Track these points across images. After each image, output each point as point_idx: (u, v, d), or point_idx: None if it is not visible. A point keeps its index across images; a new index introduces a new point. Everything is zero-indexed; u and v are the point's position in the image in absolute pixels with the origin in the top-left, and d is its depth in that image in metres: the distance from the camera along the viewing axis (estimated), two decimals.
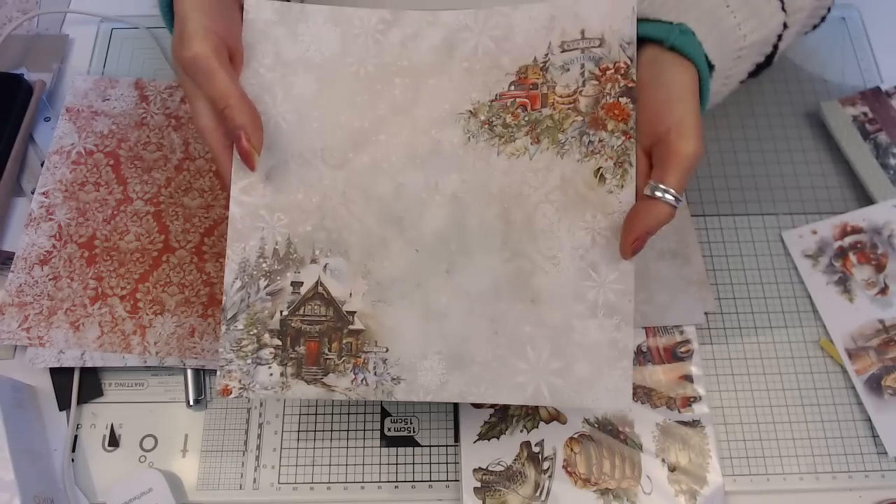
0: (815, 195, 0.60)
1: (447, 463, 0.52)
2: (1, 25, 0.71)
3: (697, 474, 0.50)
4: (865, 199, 0.59)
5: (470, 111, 0.44)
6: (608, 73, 0.43)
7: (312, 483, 0.51)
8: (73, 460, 0.52)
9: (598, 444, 0.51)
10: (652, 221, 0.40)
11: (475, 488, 0.50)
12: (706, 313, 0.56)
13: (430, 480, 0.51)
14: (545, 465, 0.51)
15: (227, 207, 0.58)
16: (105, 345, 0.53)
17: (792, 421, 0.53)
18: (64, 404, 0.53)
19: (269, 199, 0.43)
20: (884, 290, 0.56)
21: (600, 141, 0.42)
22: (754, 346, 0.55)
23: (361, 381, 0.42)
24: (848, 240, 0.57)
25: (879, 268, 0.56)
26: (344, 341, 0.42)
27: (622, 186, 0.42)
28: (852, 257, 0.57)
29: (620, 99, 0.42)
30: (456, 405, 0.53)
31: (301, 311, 0.42)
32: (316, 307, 0.42)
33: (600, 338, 0.42)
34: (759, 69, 0.50)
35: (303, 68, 0.44)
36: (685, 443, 0.51)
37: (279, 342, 0.42)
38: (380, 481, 0.51)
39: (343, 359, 0.42)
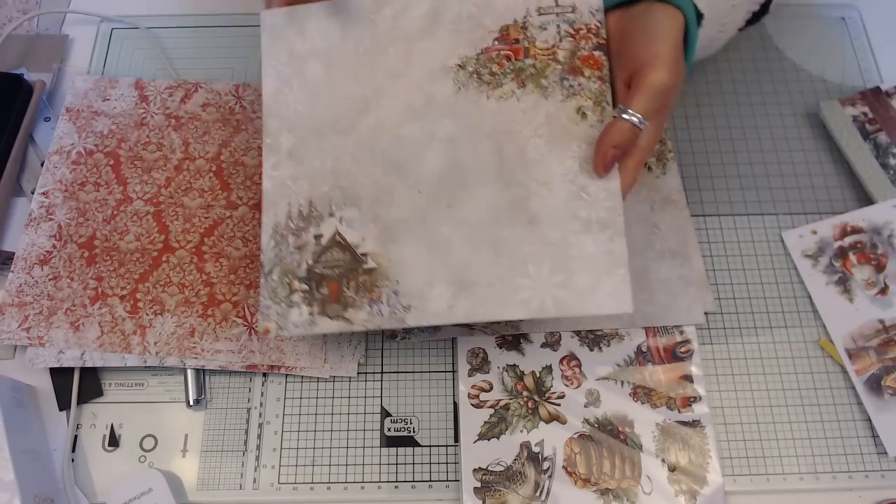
0: (814, 195, 0.60)
1: (447, 463, 0.52)
2: (1, 25, 0.71)
3: (697, 474, 0.50)
4: (865, 199, 0.59)
5: (458, 64, 0.49)
6: (581, 32, 0.48)
7: (312, 483, 0.51)
8: (73, 460, 0.52)
9: (598, 444, 0.51)
10: (616, 137, 0.44)
11: (475, 488, 0.50)
12: (706, 313, 0.56)
13: (430, 480, 0.51)
14: (545, 465, 0.51)
15: (226, 207, 0.58)
16: (105, 345, 0.53)
17: (792, 421, 0.53)
18: (64, 404, 0.53)
19: (293, 170, 0.49)
20: (884, 290, 0.56)
21: (579, 85, 0.47)
22: (754, 346, 0.55)
23: (377, 312, 0.46)
24: (848, 240, 0.57)
25: (879, 268, 0.56)
26: (360, 279, 0.47)
27: (602, 121, 0.47)
28: (852, 257, 0.57)
29: (594, 52, 0.48)
30: (456, 405, 0.53)
31: (323, 259, 0.48)
32: (335, 254, 0.47)
33: (596, 250, 0.45)
34: (756, 17, 0.53)
35: (312, 57, 0.50)
36: (685, 443, 0.51)
37: (306, 287, 0.47)
38: (380, 481, 0.51)
39: (360, 295, 0.46)
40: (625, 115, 0.44)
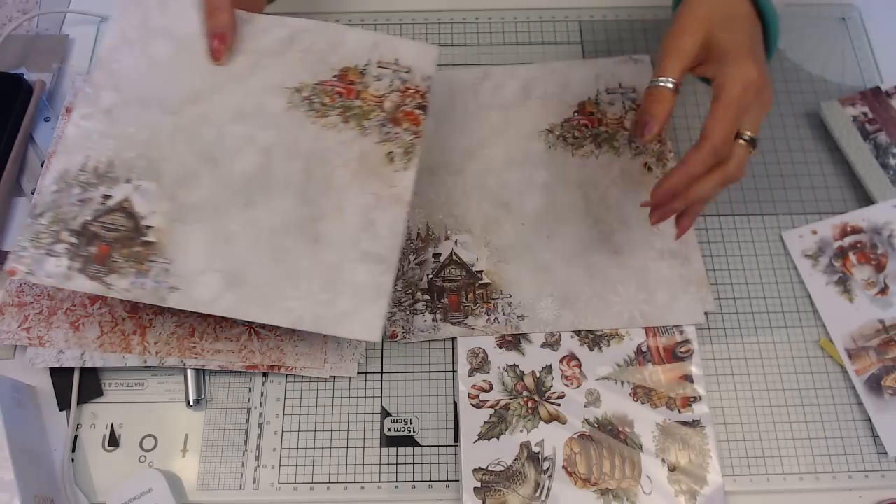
0: (815, 195, 0.60)
1: (447, 463, 0.52)
2: (1, 25, 0.71)
3: (697, 474, 0.50)
4: (865, 199, 0.59)
5: (296, 87, 0.54)
6: (410, 91, 0.54)
7: (312, 483, 0.51)
8: (73, 460, 0.52)
9: (598, 445, 0.51)
10: (646, 102, 0.48)
11: (475, 488, 0.50)
12: (706, 313, 0.56)
13: (430, 480, 0.51)
14: (545, 465, 0.51)
15: None
16: (105, 345, 0.53)
17: (792, 421, 0.53)
18: (64, 404, 0.53)
19: (105, 127, 0.51)
20: (884, 290, 0.56)
21: (396, 133, 0.53)
22: (754, 346, 0.55)
23: (140, 285, 0.48)
24: (848, 240, 0.57)
25: (879, 268, 0.56)
26: (133, 249, 0.48)
27: (406, 169, 0.52)
28: (852, 257, 0.57)
29: (416, 110, 0.53)
30: (455, 405, 0.53)
31: (103, 220, 0.49)
32: (117, 218, 0.49)
33: (366, 280, 0.49)
34: None
35: (162, 35, 0.53)
36: (685, 443, 0.51)
37: (75, 241, 0.48)
38: (380, 481, 0.51)
39: (128, 263, 0.48)
40: (658, 83, 0.47)
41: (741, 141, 0.47)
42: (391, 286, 0.49)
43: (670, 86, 0.47)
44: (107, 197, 0.49)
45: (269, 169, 0.51)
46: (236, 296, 0.48)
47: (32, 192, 0.58)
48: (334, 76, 0.54)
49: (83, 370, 0.54)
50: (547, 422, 0.52)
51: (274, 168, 0.51)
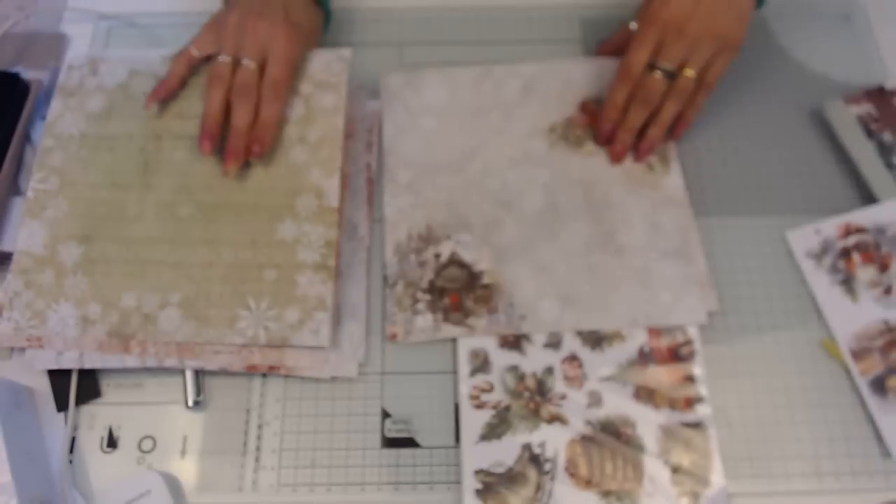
0: (818, 194, 0.60)
1: (448, 465, 0.51)
2: None
3: (700, 476, 0.50)
4: (869, 199, 0.59)
5: (550, 128, 0.61)
6: None
7: (312, 484, 0.51)
8: (71, 462, 0.51)
9: (600, 446, 0.51)
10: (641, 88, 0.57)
11: (476, 490, 0.50)
12: (709, 313, 0.55)
13: (431, 482, 0.51)
14: (546, 466, 0.50)
15: None
16: (104, 346, 0.53)
17: (795, 422, 0.52)
18: (62, 406, 0.53)
19: (412, 200, 0.58)
20: (888, 290, 0.55)
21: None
22: (757, 346, 0.55)
23: (496, 320, 0.54)
24: (852, 239, 0.57)
25: (883, 267, 0.56)
26: (477, 293, 0.55)
27: (667, 173, 0.59)
28: (856, 257, 0.57)
29: None
30: (456, 406, 0.53)
31: (443, 275, 0.56)
32: (454, 270, 0.56)
33: (674, 273, 0.55)
34: None
35: (426, 112, 0.62)
36: (688, 444, 0.51)
37: (429, 297, 0.55)
38: (380, 483, 0.51)
39: (478, 305, 0.55)
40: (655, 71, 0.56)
41: (656, 72, 0.55)
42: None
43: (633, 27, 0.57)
44: (437, 255, 0.56)
45: (555, 202, 0.58)
46: (575, 312, 0.54)
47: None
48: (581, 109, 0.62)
49: (81, 371, 0.53)
50: (548, 423, 0.52)
51: (558, 200, 0.58)
